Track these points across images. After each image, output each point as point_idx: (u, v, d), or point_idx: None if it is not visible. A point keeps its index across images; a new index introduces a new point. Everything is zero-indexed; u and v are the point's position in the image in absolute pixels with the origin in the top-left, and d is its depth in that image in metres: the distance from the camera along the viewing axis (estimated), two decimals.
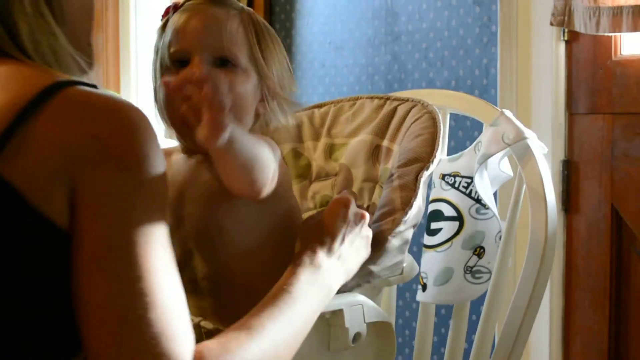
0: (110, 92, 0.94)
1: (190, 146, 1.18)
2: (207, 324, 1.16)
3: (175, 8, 1.19)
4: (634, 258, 2.13)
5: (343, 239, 1.15)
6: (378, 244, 1.23)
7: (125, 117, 0.90)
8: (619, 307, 2.17)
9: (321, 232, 1.14)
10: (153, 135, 0.92)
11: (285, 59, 1.23)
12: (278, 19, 3.03)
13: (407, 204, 1.26)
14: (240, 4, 1.22)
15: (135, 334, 0.86)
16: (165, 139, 1.23)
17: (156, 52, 1.18)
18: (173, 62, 1.16)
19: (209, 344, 0.92)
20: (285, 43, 2.98)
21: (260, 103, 1.20)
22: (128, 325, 0.86)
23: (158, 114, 1.21)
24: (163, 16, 1.20)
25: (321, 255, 1.12)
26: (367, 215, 1.18)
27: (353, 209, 1.16)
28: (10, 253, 0.86)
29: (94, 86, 0.93)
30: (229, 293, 1.17)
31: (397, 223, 1.24)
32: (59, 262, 0.88)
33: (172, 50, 1.15)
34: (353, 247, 1.16)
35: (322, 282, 1.10)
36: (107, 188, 0.88)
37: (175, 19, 1.17)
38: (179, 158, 1.21)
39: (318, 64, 2.90)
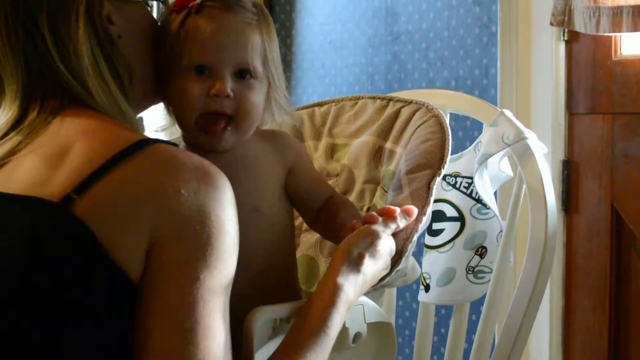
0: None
1: (202, 146, 1.19)
2: None
3: (192, 7, 1.15)
4: (634, 258, 2.13)
5: (369, 260, 1.15)
6: (396, 254, 1.22)
7: (211, 178, 0.95)
8: (619, 307, 2.17)
9: (352, 257, 1.14)
10: (232, 197, 0.97)
11: (278, 50, 1.24)
12: (278, 19, 3.03)
13: (420, 212, 1.24)
14: (253, 2, 1.20)
15: None
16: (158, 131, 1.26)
17: (167, 47, 1.15)
18: (193, 67, 1.15)
19: None
20: (285, 43, 2.99)
21: (267, 104, 1.22)
22: None
23: (167, 109, 1.22)
24: (177, 7, 1.17)
25: (353, 284, 1.12)
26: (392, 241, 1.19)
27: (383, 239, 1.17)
28: (74, 291, 0.90)
29: (176, 145, 0.98)
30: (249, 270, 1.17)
31: (412, 231, 1.23)
32: (119, 309, 0.91)
33: (194, 59, 1.15)
34: (376, 265, 1.16)
35: (347, 311, 1.12)
36: (187, 246, 0.92)
37: (196, 25, 1.15)
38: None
39: (318, 64, 2.90)
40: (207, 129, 1.16)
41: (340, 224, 1.22)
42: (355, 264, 1.12)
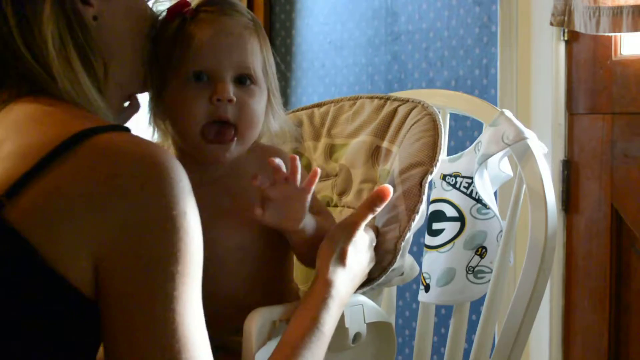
0: (142, 138, 0.86)
1: (204, 157, 1.16)
2: None
3: (186, 12, 1.13)
4: (634, 258, 2.13)
5: (352, 250, 1.15)
6: (388, 253, 1.22)
7: (160, 168, 0.82)
8: (619, 307, 2.17)
9: (336, 252, 1.14)
10: (187, 184, 0.85)
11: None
12: (278, 19, 3.03)
13: (412, 210, 1.24)
14: (247, 9, 1.18)
15: None
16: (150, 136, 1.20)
17: (163, 57, 1.12)
18: (191, 74, 1.12)
19: None
20: (285, 43, 2.99)
21: (265, 113, 1.20)
22: None
23: (156, 117, 1.19)
24: (172, 14, 1.13)
25: (342, 278, 1.13)
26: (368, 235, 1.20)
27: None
28: (11, 302, 0.80)
29: (127, 129, 0.87)
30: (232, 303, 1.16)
31: (404, 230, 1.23)
32: (69, 322, 0.82)
33: (192, 65, 1.11)
34: (359, 256, 1.17)
35: (341, 307, 1.12)
36: (141, 256, 0.81)
37: (193, 31, 1.12)
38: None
39: (318, 64, 2.90)
40: (216, 139, 1.12)
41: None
42: (341, 259, 1.13)
